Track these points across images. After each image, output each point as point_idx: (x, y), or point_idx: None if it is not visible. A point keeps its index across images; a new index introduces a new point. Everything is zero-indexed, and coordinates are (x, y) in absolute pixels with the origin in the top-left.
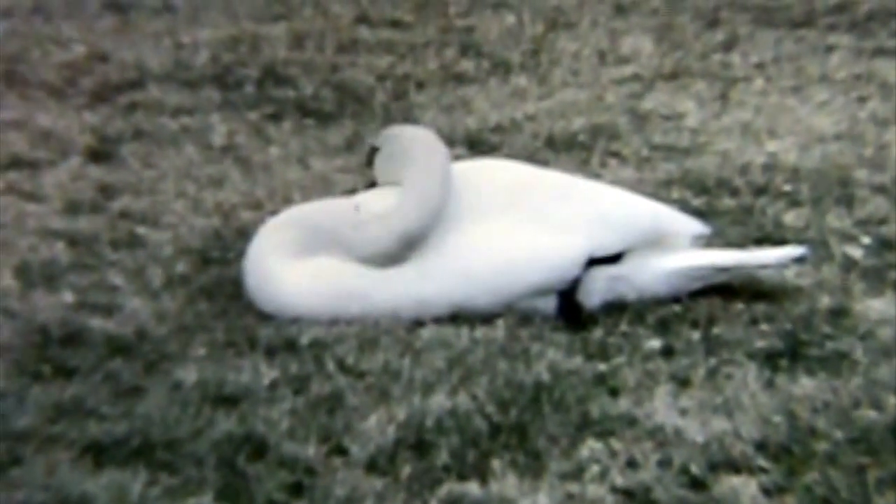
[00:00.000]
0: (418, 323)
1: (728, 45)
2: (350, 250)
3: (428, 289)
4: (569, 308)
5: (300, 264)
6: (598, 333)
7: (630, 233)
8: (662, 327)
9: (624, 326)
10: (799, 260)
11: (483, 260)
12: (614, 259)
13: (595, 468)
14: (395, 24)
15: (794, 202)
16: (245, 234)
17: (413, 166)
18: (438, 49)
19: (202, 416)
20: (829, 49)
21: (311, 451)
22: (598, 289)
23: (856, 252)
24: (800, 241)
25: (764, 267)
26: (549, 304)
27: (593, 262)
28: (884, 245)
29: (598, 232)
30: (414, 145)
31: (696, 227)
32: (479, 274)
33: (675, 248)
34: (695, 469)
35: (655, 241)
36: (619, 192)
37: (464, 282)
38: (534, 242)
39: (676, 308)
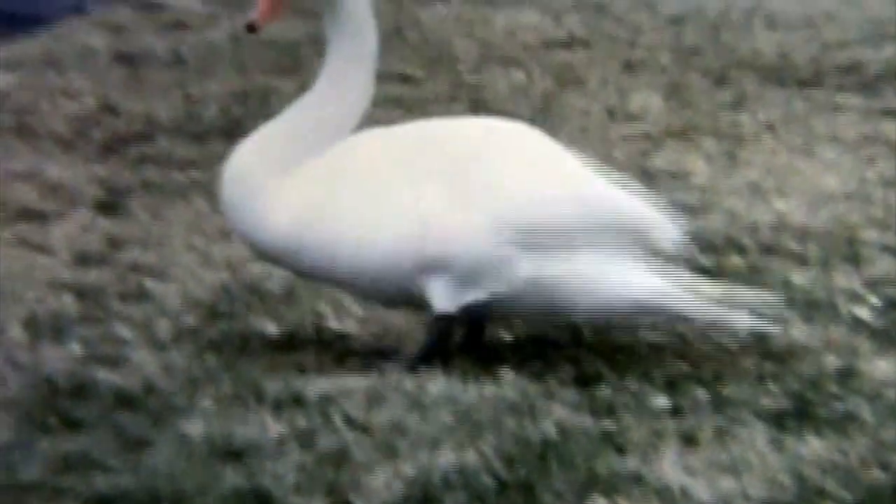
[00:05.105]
0: (426, 378)
1: (737, 104)
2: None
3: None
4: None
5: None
6: (605, 391)
7: (578, 225)
8: (670, 385)
9: (631, 384)
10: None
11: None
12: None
13: None
14: (405, 78)
15: (802, 261)
16: (253, 288)
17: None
18: (448, 104)
19: (209, 469)
20: (838, 109)
21: None
22: (532, 284)
23: (863, 312)
24: (808, 301)
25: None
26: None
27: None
28: (892, 305)
29: (516, 206)
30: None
31: (672, 234)
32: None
33: (644, 252)
34: None
35: (616, 239)
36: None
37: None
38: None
39: (684, 366)
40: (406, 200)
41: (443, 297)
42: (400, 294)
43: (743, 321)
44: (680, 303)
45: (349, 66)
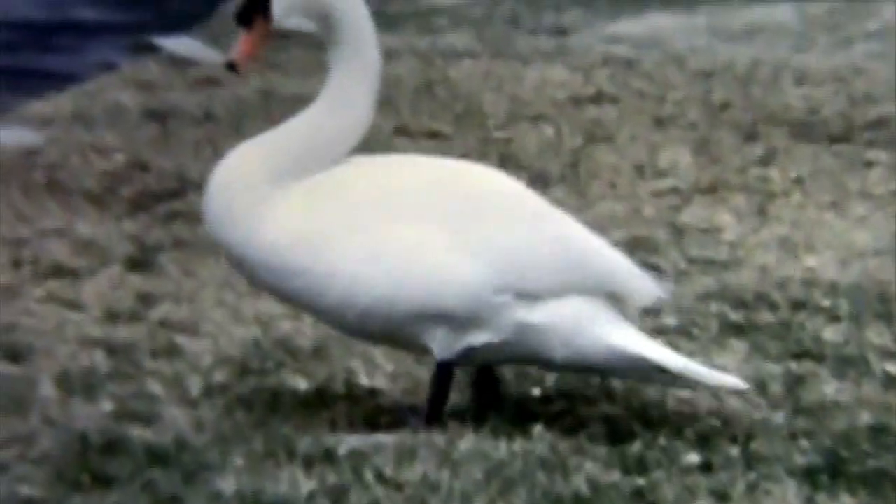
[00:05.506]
0: (457, 434)
1: (766, 159)
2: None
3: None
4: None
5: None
6: (636, 447)
7: (565, 275)
8: (701, 441)
9: (662, 440)
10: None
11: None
12: None
13: None
14: (435, 135)
15: (833, 317)
16: (284, 345)
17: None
18: (478, 160)
19: None
20: (868, 164)
21: None
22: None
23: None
24: (839, 357)
25: (702, 384)
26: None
27: None
28: None
29: (512, 264)
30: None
31: (653, 290)
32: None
33: (623, 307)
34: None
35: (600, 292)
36: (585, 232)
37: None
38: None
39: (715, 422)
40: (408, 243)
41: (443, 345)
42: (385, 333)
43: (716, 377)
44: (657, 354)
45: (350, 84)
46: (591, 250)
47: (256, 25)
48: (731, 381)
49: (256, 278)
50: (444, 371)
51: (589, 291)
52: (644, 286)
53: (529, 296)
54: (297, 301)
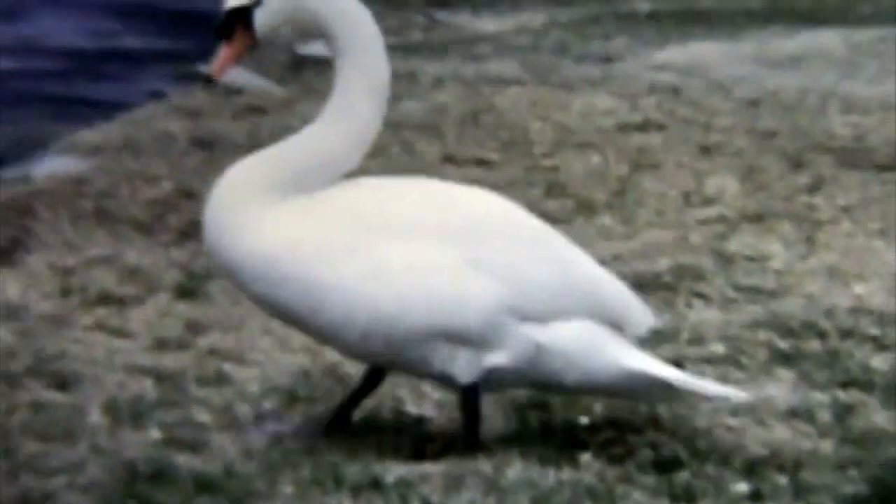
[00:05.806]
0: (504, 461)
1: (813, 187)
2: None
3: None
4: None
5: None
6: (684, 475)
7: (570, 300)
8: (749, 470)
9: (710, 469)
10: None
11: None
12: None
13: None
14: (481, 162)
15: (881, 346)
16: (332, 372)
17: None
18: (524, 188)
19: None
20: None
21: None
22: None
23: None
24: (887, 386)
25: (705, 397)
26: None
27: None
28: None
29: (518, 284)
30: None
31: (648, 318)
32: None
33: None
34: None
35: (600, 317)
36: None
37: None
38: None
39: (763, 451)
40: (413, 260)
41: (464, 368)
42: (388, 354)
43: (717, 389)
44: (665, 372)
45: (354, 97)
46: (594, 277)
47: (237, 37)
48: (735, 393)
49: (251, 290)
50: (470, 394)
51: (592, 316)
52: (642, 316)
53: (537, 318)
54: (294, 316)
